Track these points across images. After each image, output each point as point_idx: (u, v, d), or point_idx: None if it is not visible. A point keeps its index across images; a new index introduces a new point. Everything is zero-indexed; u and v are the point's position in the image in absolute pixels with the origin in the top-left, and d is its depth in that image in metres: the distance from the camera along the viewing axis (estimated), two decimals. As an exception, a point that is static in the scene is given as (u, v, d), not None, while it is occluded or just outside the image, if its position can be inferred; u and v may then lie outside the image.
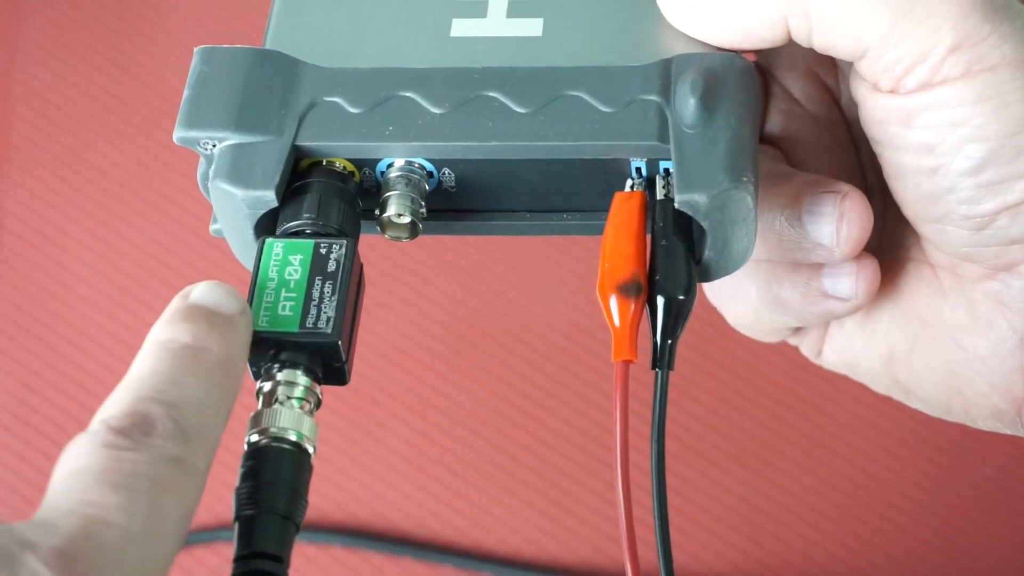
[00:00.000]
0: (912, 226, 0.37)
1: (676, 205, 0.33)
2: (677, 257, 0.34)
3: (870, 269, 0.37)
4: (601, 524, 0.64)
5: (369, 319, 0.68)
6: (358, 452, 0.66)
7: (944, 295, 0.38)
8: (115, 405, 0.29)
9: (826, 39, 0.35)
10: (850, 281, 0.37)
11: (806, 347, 0.41)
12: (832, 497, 0.65)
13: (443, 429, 0.66)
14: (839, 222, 0.36)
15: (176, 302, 0.32)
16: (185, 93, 0.35)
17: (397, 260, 0.68)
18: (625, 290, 0.33)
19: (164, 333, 0.31)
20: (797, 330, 0.41)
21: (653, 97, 0.34)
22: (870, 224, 0.36)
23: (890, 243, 0.39)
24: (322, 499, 0.65)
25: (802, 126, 0.40)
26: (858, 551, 0.64)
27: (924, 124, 0.34)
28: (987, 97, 0.34)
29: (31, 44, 0.73)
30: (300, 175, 0.35)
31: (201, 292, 0.32)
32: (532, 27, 0.36)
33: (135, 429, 0.28)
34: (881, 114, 0.35)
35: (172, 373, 0.30)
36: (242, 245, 0.36)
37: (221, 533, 0.63)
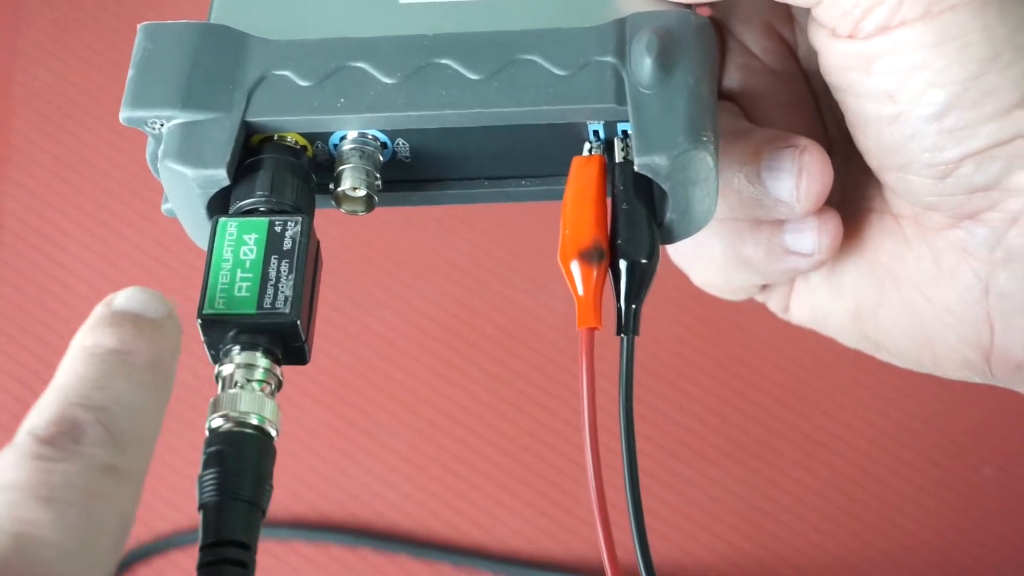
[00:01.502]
0: (875, 176, 0.37)
1: (636, 168, 0.33)
2: (639, 220, 0.34)
3: (832, 223, 0.37)
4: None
5: (367, 317, 0.68)
6: (357, 451, 0.66)
7: (908, 245, 0.37)
8: (40, 413, 0.28)
9: None
10: (812, 236, 0.37)
11: (773, 303, 0.41)
12: (832, 497, 0.65)
13: (442, 428, 0.66)
14: (798, 177, 0.36)
15: (99, 309, 0.30)
16: (130, 73, 0.35)
17: (395, 258, 0.68)
18: (587, 256, 0.33)
19: (88, 339, 0.29)
20: (764, 287, 0.41)
21: (608, 58, 0.34)
22: (830, 178, 0.36)
23: (853, 195, 0.39)
24: (321, 498, 0.65)
25: (760, 81, 0.39)
26: (858, 551, 0.64)
27: (884, 70, 0.34)
28: (947, 39, 0.33)
29: (31, 44, 0.73)
30: (251, 151, 0.34)
31: (125, 297, 0.30)
32: None
33: (63, 437, 0.27)
34: (841, 60, 0.35)
35: (99, 377, 0.28)
36: (195, 225, 0.35)
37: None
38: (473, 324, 0.67)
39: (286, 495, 0.65)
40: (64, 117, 0.72)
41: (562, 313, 0.67)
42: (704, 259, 0.39)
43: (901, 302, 0.38)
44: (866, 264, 0.38)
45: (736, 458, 0.65)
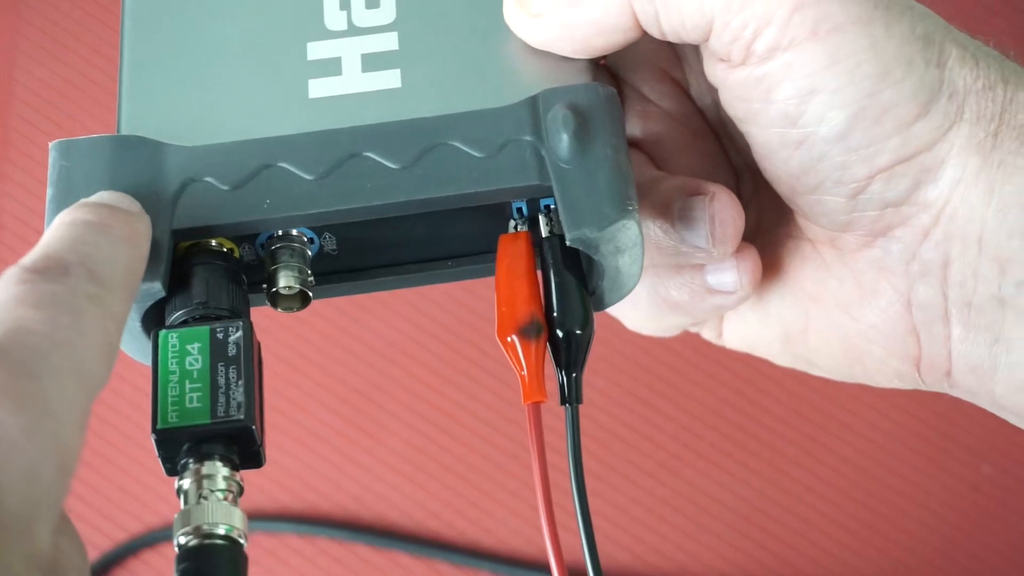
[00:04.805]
0: (787, 203, 0.38)
1: (568, 242, 0.33)
2: (572, 292, 0.34)
3: (750, 260, 0.38)
4: (601, 525, 0.64)
5: (370, 318, 0.68)
6: (358, 452, 0.66)
7: (828, 269, 0.38)
8: (29, 255, 0.29)
9: (672, 18, 0.35)
10: (732, 275, 0.38)
11: (707, 333, 0.42)
12: (832, 497, 0.65)
13: (443, 429, 0.66)
14: (712, 225, 0.36)
15: (76, 203, 0.32)
16: (49, 192, 0.34)
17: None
18: (526, 332, 0.34)
19: (67, 217, 0.31)
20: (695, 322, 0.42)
21: (526, 137, 0.34)
22: (742, 220, 0.37)
23: (768, 221, 0.40)
24: (322, 499, 0.65)
25: (660, 125, 0.40)
26: (858, 551, 0.64)
27: (783, 97, 0.34)
28: (838, 59, 0.34)
29: (31, 44, 0.73)
30: (179, 259, 0.34)
31: (99, 196, 0.32)
32: (390, 79, 0.36)
33: (50, 271, 0.29)
34: (741, 91, 0.35)
35: (81, 236, 0.30)
36: (130, 338, 0.35)
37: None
38: (474, 324, 0.67)
39: (287, 495, 0.65)
40: (64, 117, 0.72)
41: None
42: (632, 306, 0.40)
43: (828, 323, 0.38)
44: (789, 291, 0.39)
45: (736, 458, 0.65)
